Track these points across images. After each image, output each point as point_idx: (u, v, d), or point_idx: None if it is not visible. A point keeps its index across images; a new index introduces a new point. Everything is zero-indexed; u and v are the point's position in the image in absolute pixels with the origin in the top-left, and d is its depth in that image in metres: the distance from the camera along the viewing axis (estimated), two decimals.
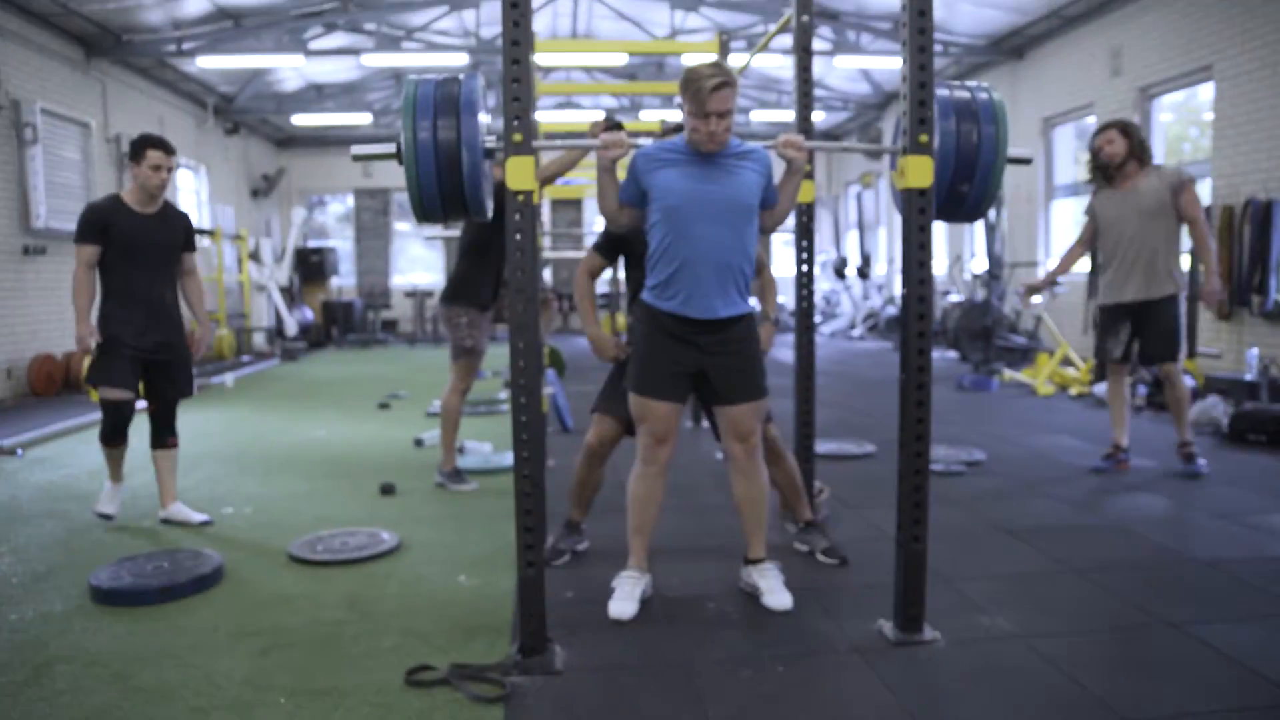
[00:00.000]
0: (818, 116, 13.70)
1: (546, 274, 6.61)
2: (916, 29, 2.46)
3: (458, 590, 3.04)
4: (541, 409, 2.47)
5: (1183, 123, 9.04)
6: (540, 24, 11.05)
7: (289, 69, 11.99)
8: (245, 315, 11.55)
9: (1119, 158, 4.39)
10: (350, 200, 16.45)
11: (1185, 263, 4.39)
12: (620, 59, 11.26)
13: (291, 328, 12.24)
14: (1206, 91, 7.63)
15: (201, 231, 10.72)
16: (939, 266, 11.70)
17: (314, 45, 10.59)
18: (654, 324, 2.78)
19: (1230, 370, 6.75)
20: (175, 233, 3.86)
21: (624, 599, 2.78)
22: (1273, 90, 6.79)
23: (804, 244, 3.56)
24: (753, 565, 2.91)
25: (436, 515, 3.97)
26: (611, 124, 4.16)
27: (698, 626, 2.68)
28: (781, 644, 2.55)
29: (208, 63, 10.11)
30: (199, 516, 3.91)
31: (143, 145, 3.71)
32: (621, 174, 2.80)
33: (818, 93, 13.37)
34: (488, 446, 5.33)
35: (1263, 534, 3.48)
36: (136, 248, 3.71)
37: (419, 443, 5.55)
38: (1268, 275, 6.72)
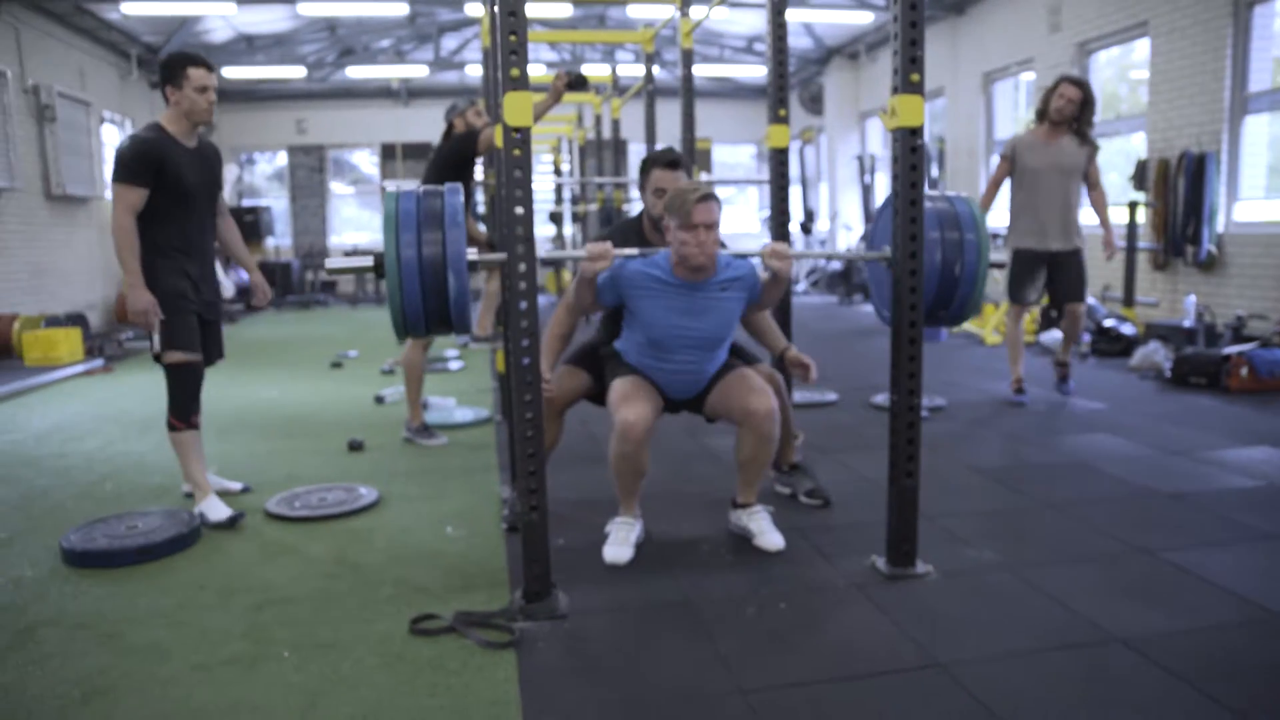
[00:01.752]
0: (758, 71, 13.66)
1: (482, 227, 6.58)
2: None
3: (447, 541, 3.02)
4: (538, 352, 2.43)
5: (1114, 80, 9.26)
6: None
7: (218, 18, 11.47)
8: None
9: (1068, 114, 4.69)
10: (283, 157, 15.91)
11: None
12: (565, 10, 11.04)
13: (229, 289, 11.82)
14: (1143, 48, 7.82)
15: None
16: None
17: None
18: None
19: (1167, 317, 7.02)
20: (216, 170, 3.35)
21: (619, 544, 2.79)
22: (1204, 47, 6.98)
23: (781, 197, 3.56)
24: (741, 509, 2.95)
25: (410, 470, 3.92)
26: (575, 78, 4.09)
27: (694, 569, 2.71)
28: (779, 582, 2.59)
29: (131, 9, 9.60)
30: (236, 484, 3.62)
31: (181, 64, 3.12)
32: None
33: (757, 47, 13.32)
34: (451, 401, 5.27)
35: (1215, 468, 3.65)
36: (189, 189, 3.19)
37: (379, 400, 5.46)
38: (1201, 226, 6.97)
